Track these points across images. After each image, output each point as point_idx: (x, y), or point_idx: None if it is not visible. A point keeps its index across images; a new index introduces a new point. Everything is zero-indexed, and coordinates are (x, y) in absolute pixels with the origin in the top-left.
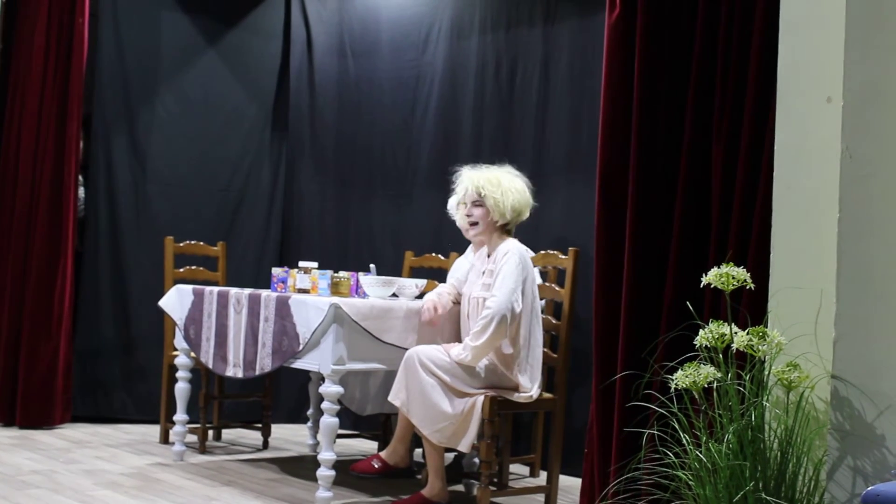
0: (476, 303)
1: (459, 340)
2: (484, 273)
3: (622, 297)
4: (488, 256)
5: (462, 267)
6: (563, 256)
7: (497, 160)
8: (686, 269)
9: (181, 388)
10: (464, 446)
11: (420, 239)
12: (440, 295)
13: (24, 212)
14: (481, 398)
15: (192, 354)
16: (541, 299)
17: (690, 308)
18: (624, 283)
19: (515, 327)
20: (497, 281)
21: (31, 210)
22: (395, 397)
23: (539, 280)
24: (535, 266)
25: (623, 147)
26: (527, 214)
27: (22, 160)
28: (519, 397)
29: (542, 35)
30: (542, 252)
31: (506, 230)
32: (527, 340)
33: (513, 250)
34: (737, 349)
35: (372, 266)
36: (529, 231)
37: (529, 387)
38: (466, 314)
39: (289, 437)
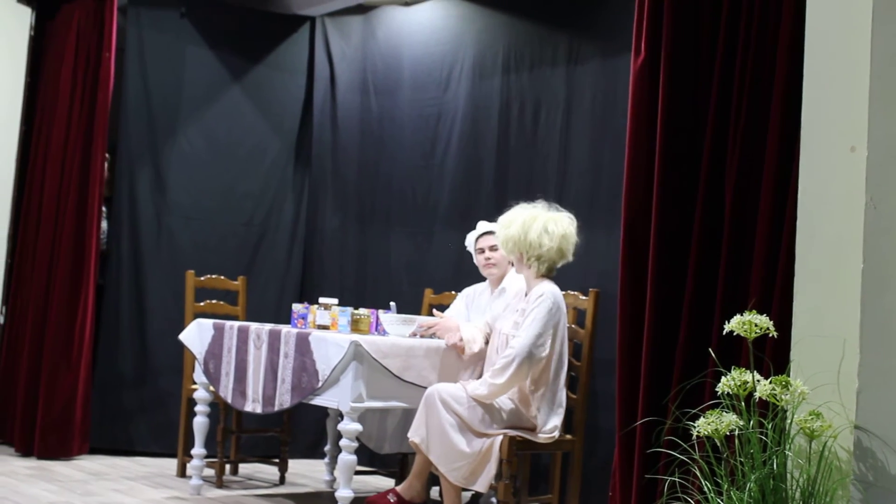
0: (504, 339)
1: (482, 374)
2: (517, 311)
3: (643, 343)
4: (525, 295)
5: (476, 304)
6: (584, 297)
7: (517, 200)
8: (706, 316)
9: (199, 422)
10: (480, 486)
11: (440, 276)
12: (476, 332)
13: (47, 243)
14: (499, 438)
15: (211, 389)
16: None
17: (713, 355)
18: (645, 328)
19: (540, 369)
20: (526, 322)
21: (54, 242)
22: (415, 434)
23: None
24: None
25: (646, 193)
26: (544, 250)
27: (46, 192)
28: (540, 438)
29: (564, 76)
30: (563, 292)
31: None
32: (551, 383)
33: (547, 293)
34: (759, 398)
35: (392, 304)
36: None
37: (550, 427)
38: (495, 348)
39: (305, 473)
